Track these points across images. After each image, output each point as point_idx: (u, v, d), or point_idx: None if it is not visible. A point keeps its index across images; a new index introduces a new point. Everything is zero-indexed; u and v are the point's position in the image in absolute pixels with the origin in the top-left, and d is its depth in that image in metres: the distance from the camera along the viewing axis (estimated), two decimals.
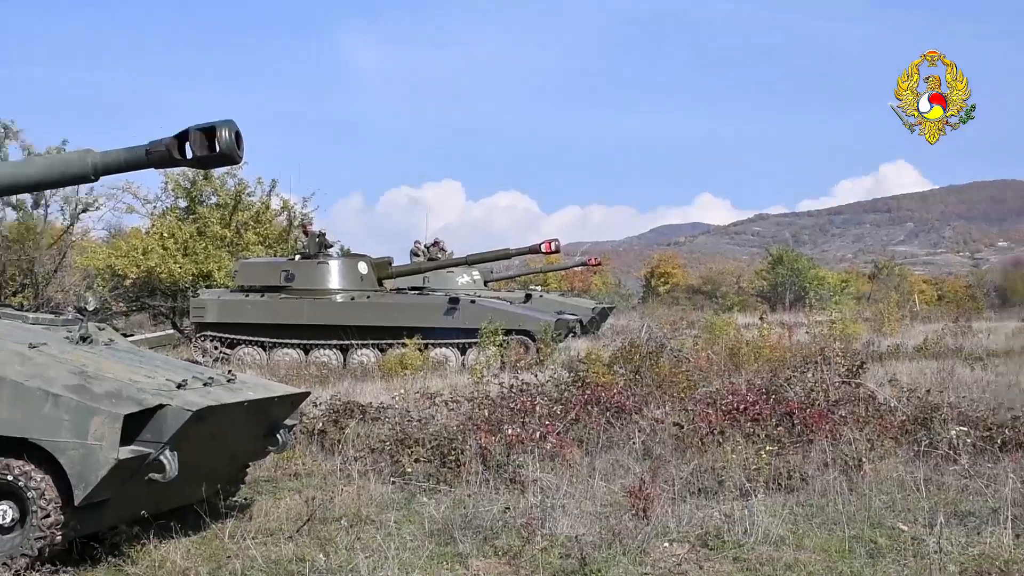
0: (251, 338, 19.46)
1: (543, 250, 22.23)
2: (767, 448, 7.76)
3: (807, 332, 17.50)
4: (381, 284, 20.81)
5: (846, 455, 7.85)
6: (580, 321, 24.59)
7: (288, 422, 7.01)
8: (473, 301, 19.34)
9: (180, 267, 25.76)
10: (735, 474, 7.27)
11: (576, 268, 44.63)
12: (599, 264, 38.92)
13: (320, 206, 44.06)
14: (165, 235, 26.42)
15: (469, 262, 22.44)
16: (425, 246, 26.91)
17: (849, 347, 14.19)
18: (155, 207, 28.01)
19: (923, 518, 6.47)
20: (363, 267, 20.18)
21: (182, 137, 5.91)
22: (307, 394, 7.31)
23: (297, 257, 20.30)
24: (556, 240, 22.12)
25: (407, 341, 17.65)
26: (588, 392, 9.84)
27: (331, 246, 21.78)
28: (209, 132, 5.81)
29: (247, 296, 19.83)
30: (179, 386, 5.92)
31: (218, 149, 5.80)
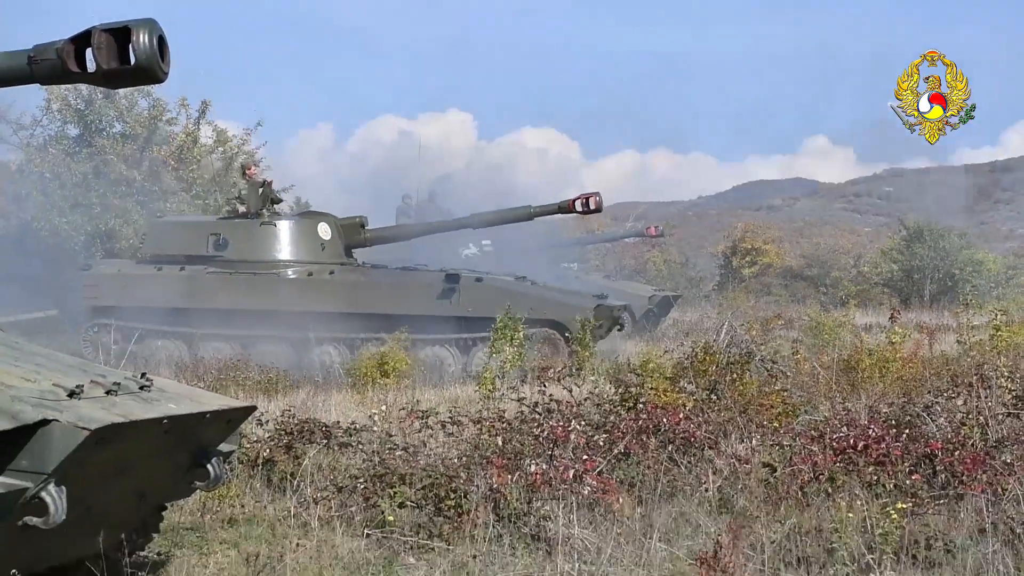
0: (166, 328, 19.58)
1: (578, 208, 21.25)
2: (897, 504, 7.71)
3: (958, 341, 17.41)
4: (350, 254, 20.87)
5: (1012, 518, 7.78)
6: (628, 309, 24.41)
7: (223, 448, 7.04)
8: (479, 279, 19.44)
9: (67, 223, 25.83)
10: (851, 539, 7.25)
11: (628, 240, 44.54)
12: (660, 235, 38.68)
13: (269, 141, 44.08)
14: (47, 176, 26.49)
15: (472, 224, 22.10)
16: (413, 201, 27.09)
17: (1019, 364, 14.12)
18: (32, 135, 28.12)
19: None
20: (325, 230, 20.25)
21: (82, 40, 5.80)
22: (251, 409, 7.34)
23: (233, 213, 20.35)
24: (597, 195, 21.17)
25: (387, 336, 17.70)
26: (643, 416, 9.85)
27: (279, 201, 21.84)
28: (121, 35, 5.73)
29: (160, 270, 19.94)
30: (71, 394, 5.91)
31: (133, 60, 5.73)
